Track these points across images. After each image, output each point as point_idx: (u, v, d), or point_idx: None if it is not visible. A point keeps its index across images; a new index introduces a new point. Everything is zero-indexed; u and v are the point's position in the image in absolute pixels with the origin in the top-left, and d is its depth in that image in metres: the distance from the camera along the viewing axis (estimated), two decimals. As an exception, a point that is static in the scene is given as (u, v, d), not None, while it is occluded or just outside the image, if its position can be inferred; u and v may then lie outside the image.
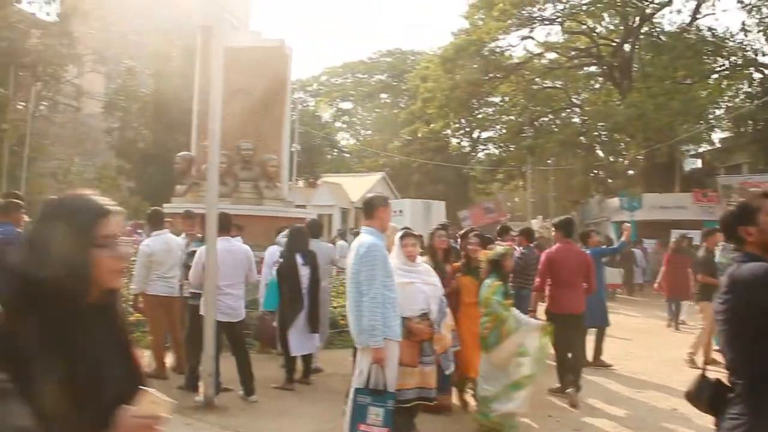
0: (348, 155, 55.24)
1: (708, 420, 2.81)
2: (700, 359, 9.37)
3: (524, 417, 6.51)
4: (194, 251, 7.22)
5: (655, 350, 11.16)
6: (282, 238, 8.67)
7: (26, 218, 6.65)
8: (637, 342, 11.87)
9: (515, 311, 6.30)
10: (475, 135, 44.17)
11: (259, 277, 8.43)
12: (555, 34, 34.18)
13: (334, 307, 10.01)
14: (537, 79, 35.20)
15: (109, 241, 1.74)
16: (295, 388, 7.58)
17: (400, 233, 5.76)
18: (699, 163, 35.45)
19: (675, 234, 17.79)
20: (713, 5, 29.79)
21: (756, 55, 28.75)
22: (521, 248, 9.67)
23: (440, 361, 5.67)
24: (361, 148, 52.34)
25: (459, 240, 8.10)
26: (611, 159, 33.48)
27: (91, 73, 34.33)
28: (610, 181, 32.86)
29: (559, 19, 32.56)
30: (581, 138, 32.49)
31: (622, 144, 31.96)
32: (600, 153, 34.05)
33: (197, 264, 6.92)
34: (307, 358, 7.95)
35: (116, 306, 1.86)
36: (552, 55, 34.94)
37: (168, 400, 1.73)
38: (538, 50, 34.62)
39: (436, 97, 34.35)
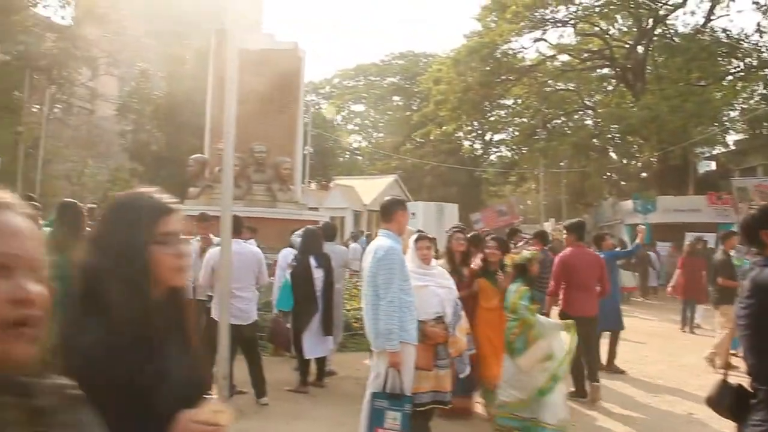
0: (360, 158, 55.27)
1: (725, 425, 2.78)
2: (720, 362, 9.29)
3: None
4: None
5: (670, 354, 11.08)
6: (296, 237, 8.66)
7: (41, 221, 6.67)
8: (651, 346, 11.79)
9: (540, 316, 6.27)
10: (487, 137, 44.06)
11: (272, 280, 8.43)
12: (568, 36, 34.19)
13: (348, 310, 10.00)
14: (550, 82, 35.05)
15: (170, 238, 1.70)
16: (308, 391, 7.57)
17: (414, 236, 5.74)
18: (713, 166, 35.23)
19: (689, 237, 17.66)
20: (728, 6, 29.53)
21: (771, 56, 28.59)
22: (534, 251, 9.63)
23: (455, 364, 5.64)
24: (373, 151, 52.34)
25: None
26: (624, 161, 33.32)
27: (105, 76, 34.58)
28: (623, 183, 32.72)
29: (572, 21, 32.48)
30: (594, 140, 32.34)
31: (635, 146, 31.79)
32: (613, 155, 33.89)
33: (207, 266, 6.92)
34: (320, 361, 7.94)
35: (183, 306, 1.81)
36: (565, 57, 34.84)
37: (230, 410, 1.68)
38: (550, 52, 34.51)
39: (448, 99, 34.29)
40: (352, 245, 15.84)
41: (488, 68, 32.57)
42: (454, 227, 7.78)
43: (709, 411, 2.84)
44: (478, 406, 6.99)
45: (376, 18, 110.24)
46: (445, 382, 5.40)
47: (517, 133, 38.00)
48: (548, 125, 35.32)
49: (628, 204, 29.09)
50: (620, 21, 33.07)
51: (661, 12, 30.39)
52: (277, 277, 8.58)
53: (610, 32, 33.30)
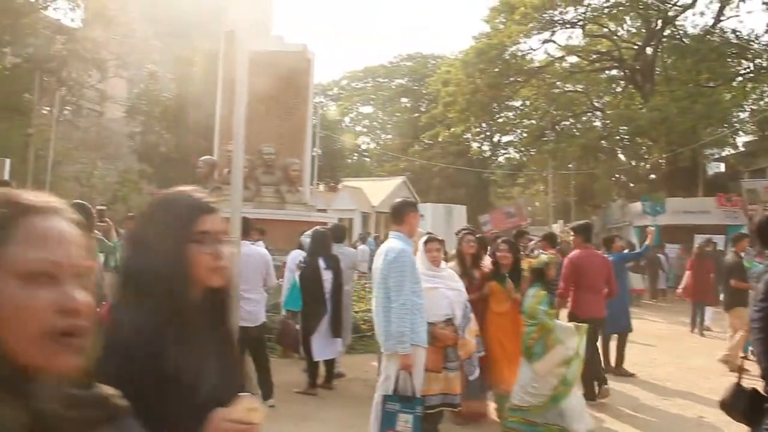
0: (368, 159, 55.26)
1: (735, 428, 2.76)
2: (735, 363, 9.24)
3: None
4: None
5: (680, 356, 11.03)
6: (305, 239, 8.65)
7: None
8: (661, 348, 11.74)
9: (558, 321, 6.24)
10: (496, 139, 44.00)
11: (281, 281, 8.42)
12: (576, 37, 34.12)
13: (356, 312, 9.99)
14: (558, 83, 35.02)
15: (207, 237, 1.68)
16: (317, 392, 7.57)
17: (424, 238, 5.73)
18: (722, 167, 35.08)
19: (698, 239, 17.59)
20: (737, 7, 29.38)
21: (781, 57, 28.46)
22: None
23: (464, 366, 5.63)
24: (381, 152, 52.33)
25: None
26: (633, 163, 33.22)
27: (114, 78, 34.62)
28: (632, 185, 32.59)
29: (581, 23, 32.40)
30: (603, 142, 32.28)
31: (644, 148, 31.71)
32: (622, 157, 33.80)
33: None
34: (329, 363, 7.93)
35: (224, 307, 1.79)
36: (573, 59, 34.78)
37: (264, 410, 1.66)
38: (559, 54, 34.43)
39: (457, 101, 34.29)
40: (360, 247, 15.88)
41: (497, 70, 32.56)
42: (463, 229, 7.75)
43: (719, 414, 2.82)
44: (492, 410, 6.95)
45: (384, 20, 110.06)
46: (455, 384, 5.39)
47: (525, 135, 37.99)
48: (557, 127, 35.26)
49: (637, 206, 28.97)
50: (629, 22, 32.98)
51: (670, 13, 30.30)
52: (286, 279, 8.57)
53: (619, 33, 33.21)
